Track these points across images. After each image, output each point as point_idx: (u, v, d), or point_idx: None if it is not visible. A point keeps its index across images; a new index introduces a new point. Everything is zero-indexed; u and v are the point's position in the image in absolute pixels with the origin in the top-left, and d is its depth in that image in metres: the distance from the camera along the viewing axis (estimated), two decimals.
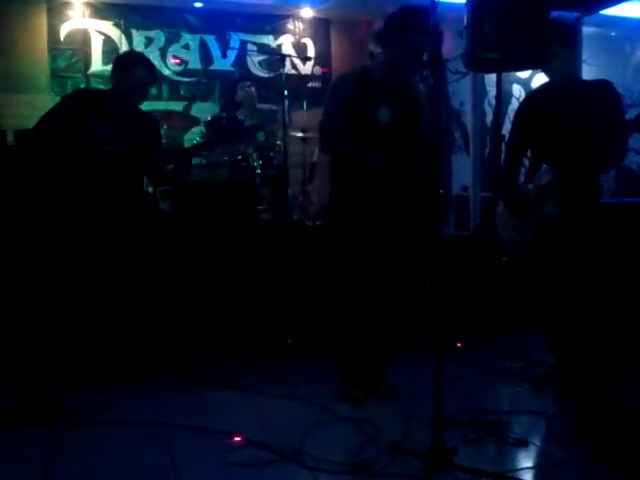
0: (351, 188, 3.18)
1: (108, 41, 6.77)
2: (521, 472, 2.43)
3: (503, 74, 5.11)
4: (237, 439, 2.65)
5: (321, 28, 7.56)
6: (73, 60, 6.66)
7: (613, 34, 8.05)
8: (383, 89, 3.16)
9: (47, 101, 6.28)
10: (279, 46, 7.37)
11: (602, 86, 3.24)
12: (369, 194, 3.15)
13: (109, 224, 3.44)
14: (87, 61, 6.70)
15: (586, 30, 5.99)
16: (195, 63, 7.12)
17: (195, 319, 4.11)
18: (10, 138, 4.69)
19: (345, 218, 3.23)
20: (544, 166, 3.24)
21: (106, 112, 3.48)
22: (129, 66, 3.48)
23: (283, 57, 5.80)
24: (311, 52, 7.47)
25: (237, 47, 7.16)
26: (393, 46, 3.11)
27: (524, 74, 7.66)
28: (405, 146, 3.20)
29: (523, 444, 2.65)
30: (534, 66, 4.90)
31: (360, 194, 3.16)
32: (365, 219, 3.16)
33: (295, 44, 7.45)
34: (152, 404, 3.15)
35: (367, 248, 3.18)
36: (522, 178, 3.46)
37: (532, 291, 3.47)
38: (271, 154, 5.77)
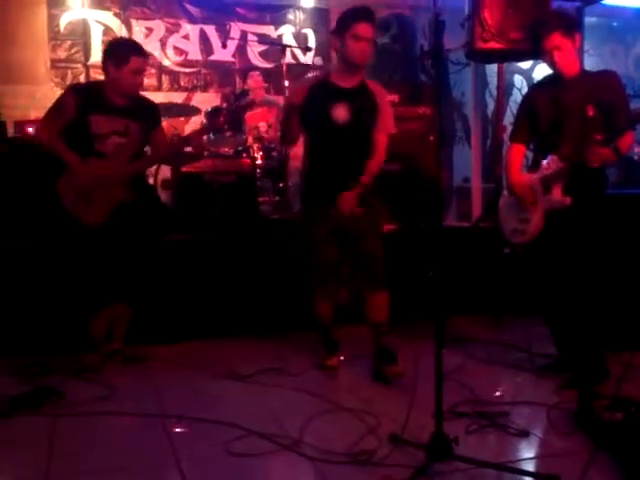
0: (311, 183, 3.45)
1: (108, 31, 6.74)
2: (522, 462, 2.44)
3: (504, 65, 5.12)
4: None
5: (322, 18, 7.52)
6: (73, 50, 6.64)
7: (615, 24, 8.03)
8: (341, 90, 3.32)
9: (47, 92, 6.30)
10: (279, 36, 7.34)
11: (607, 77, 3.24)
12: (325, 189, 3.33)
13: (115, 213, 3.44)
14: (87, 51, 6.68)
15: (588, 20, 5.96)
16: (195, 54, 7.09)
17: (196, 309, 4.12)
18: (10, 129, 4.71)
19: (306, 211, 3.50)
20: (549, 156, 3.22)
21: (107, 106, 3.44)
22: (124, 57, 3.40)
23: (284, 47, 5.78)
24: (312, 42, 7.43)
25: (237, 37, 7.12)
26: (341, 41, 3.26)
27: (526, 65, 7.64)
28: (363, 145, 3.34)
29: (524, 435, 2.65)
30: (536, 57, 4.91)
31: (318, 189, 3.39)
32: (320, 212, 3.36)
33: (296, 34, 7.42)
34: (153, 394, 3.15)
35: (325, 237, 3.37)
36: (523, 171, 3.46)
37: (534, 281, 3.46)
38: (272, 145, 5.76)
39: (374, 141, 3.36)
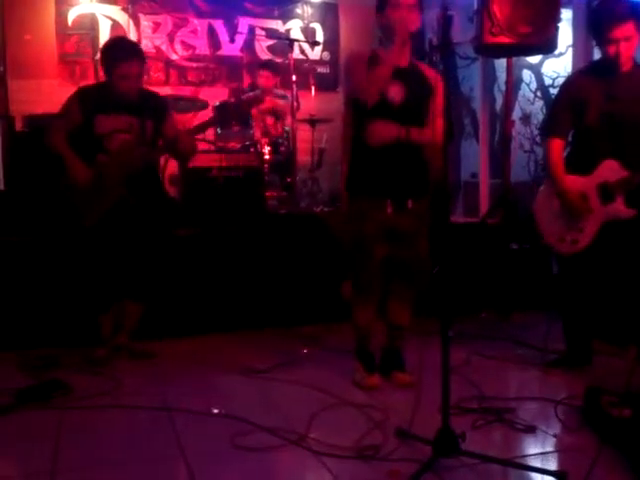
0: (363, 170, 3.11)
1: (116, 26, 6.75)
2: (529, 458, 2.43)
3: (513, 59, 5.09)
4: None
5: (330, 13, 7.50)
6: (81, 45, 6.64)
7: None
8: (395, 69, 3.02)
9: (55, 86, 6.30)
10: (287, 31, 7.32)
11: None
12: (379, 177, 3.06)
13: (117, 210, 3.45)
14: (95, 46, 6.67)
15: None
16: (203, 48, 7.09)
17: (203, 304, 4.13)
18: (18, 123, 4.72)
19: (355, 201, 3.15)
20: (606, 161, 3.05)
21: (110, 105, 3.43)
22: (110, 66, 3.39)
23: (292, 42, 5.76)
24: (320, 37, 7.42)
25: (245, 32, 7.13)
26: (383, 16, 3.00)
27: (534, 59, 7.58)
28: (419, 127, 3.06)
29: (531, 430, 2.65)
30: (545, 51, 4.89)
31: (370, 177, 3.08)
32: (373, 203, 3.06)
33: (304, 29, 7.40)
34: (160, 388, 3.16)
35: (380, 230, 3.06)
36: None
37: (575, 286, 3.29)
38: (280, 140, 5.76)
39: (430, 125, 3.03)
